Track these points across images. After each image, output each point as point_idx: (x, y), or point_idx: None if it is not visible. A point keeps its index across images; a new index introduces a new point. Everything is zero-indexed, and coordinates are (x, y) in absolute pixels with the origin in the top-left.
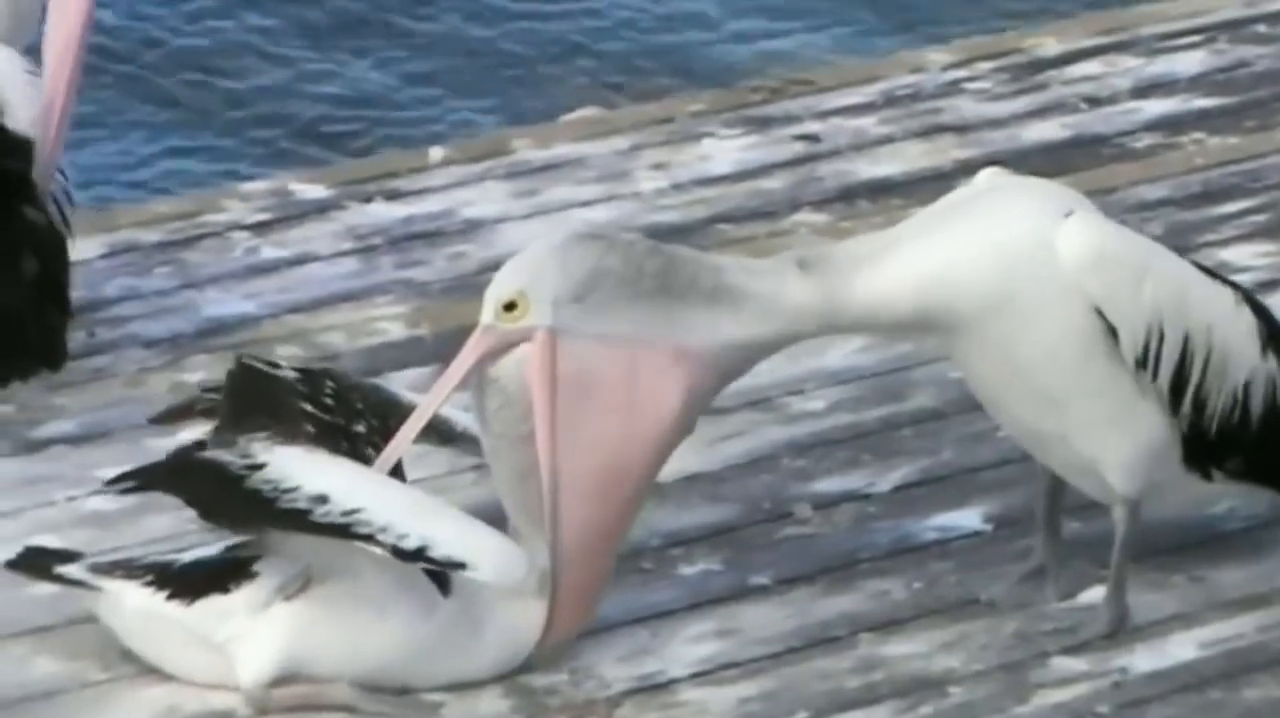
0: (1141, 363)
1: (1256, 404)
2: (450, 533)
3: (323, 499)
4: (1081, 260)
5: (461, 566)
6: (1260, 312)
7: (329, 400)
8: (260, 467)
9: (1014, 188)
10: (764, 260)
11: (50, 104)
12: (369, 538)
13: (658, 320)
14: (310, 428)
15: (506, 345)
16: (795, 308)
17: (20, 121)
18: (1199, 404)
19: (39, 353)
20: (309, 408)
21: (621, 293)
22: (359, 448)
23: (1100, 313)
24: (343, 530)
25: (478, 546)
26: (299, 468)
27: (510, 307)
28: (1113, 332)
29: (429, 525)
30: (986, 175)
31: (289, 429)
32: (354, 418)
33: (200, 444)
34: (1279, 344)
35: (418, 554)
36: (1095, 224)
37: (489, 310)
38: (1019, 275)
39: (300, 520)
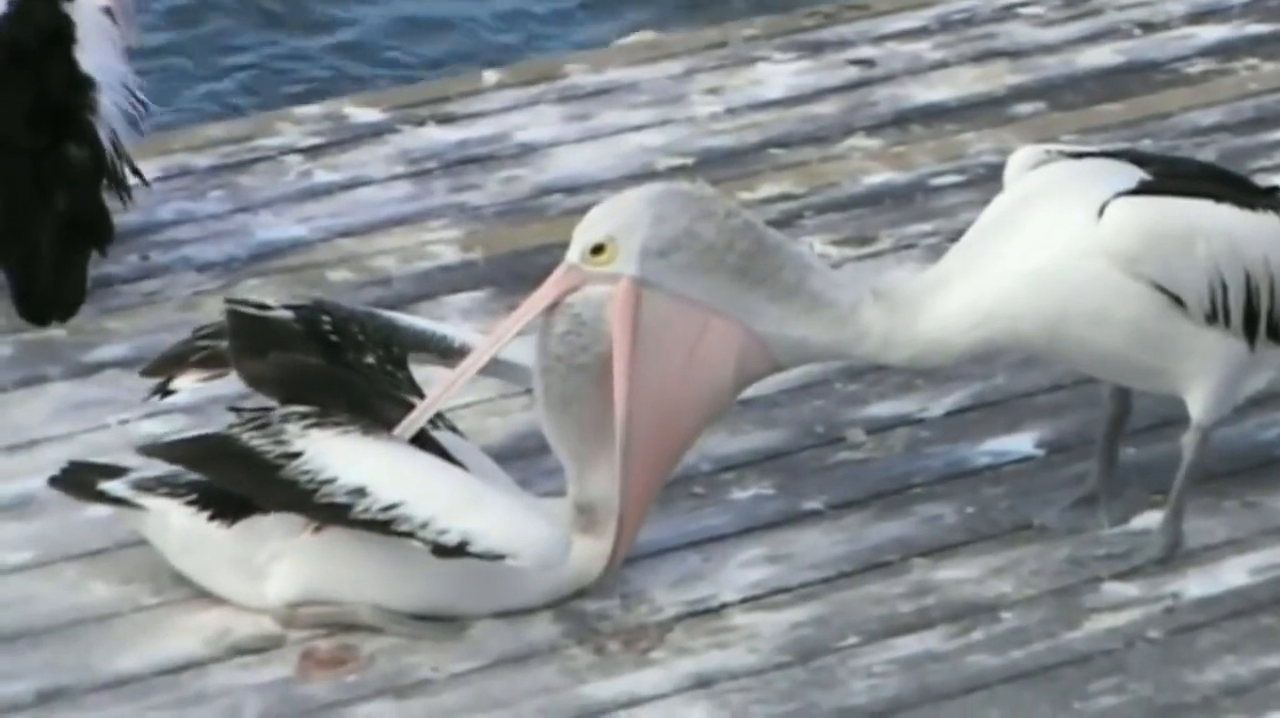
0: (1212, 318)
1: None
2: (491, 523)
3: (361, 493)
4: (1131, 250)
5: (502, 557)
6: None
7: (333, 338)
8: (296, 455)
9: (1046, 194)
10: (845, 274)
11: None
12: (409, 534)
13: (732, 297)
14: (322, 362)
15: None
16: (861, 330)
17: (87, 62)
18: (1274, 327)
19: (52, 299)
20: (314, 343)
21: (705, 260)
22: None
23: (1161, 288)
24: (383, 527)
25: (518, 533)
26: (335, 456)
27: (598, 250)
28: (1178, 300)
29: (469, 517)
30: (1019, 161)
31: (304, 366)
32: (360, 350)
33: (237, 409)
34: None
35: (459, 550)
36: (1130, 209)
37: (575, 250)
38: (1072, 290)
39: (340, 515)
